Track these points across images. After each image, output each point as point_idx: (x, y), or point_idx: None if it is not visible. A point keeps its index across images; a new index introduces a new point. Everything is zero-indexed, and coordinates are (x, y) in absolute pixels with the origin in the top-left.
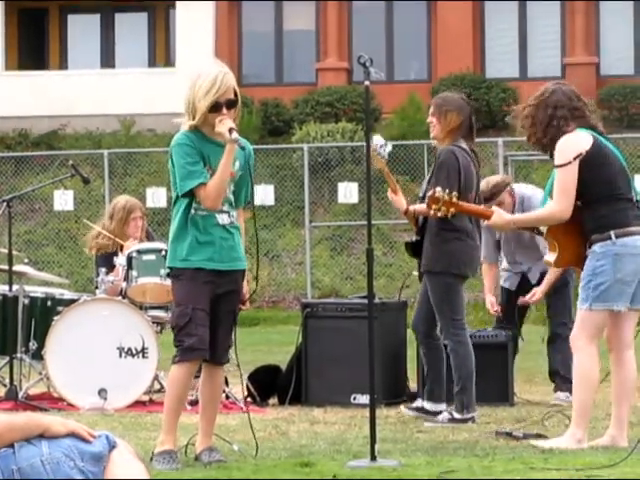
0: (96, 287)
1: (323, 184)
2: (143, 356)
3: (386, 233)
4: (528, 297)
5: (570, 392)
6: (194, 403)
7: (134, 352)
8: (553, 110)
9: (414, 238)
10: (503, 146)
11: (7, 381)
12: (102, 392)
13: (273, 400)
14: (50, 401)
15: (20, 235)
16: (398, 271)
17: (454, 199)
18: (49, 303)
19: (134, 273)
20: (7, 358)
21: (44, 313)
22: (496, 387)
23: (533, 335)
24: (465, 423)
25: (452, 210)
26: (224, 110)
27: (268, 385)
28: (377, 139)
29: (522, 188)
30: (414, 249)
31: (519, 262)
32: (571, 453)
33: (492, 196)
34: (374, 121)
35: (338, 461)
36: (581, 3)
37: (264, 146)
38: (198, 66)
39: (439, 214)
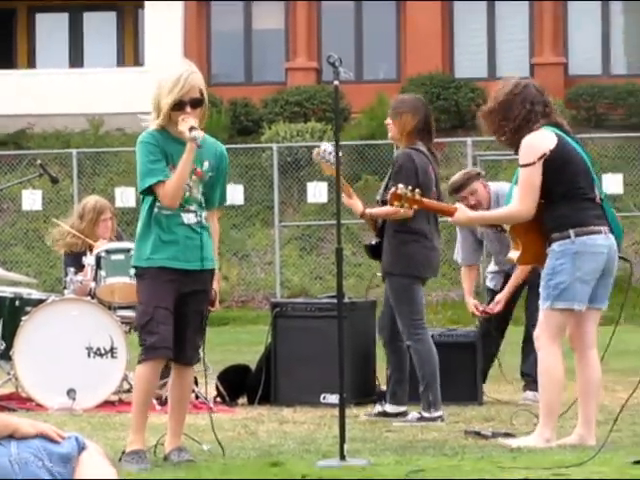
0: (64, 287)
1: (292, 184)
2: (112, 356)
3: (355, 233)
4: (491, 306)
5: None
6: (164, 403)
7: (103, 352)
8: (531, 105)
9: (374, 241)
10: (472, 146)
11: None
12: (71, 392)
13: (242, 400)
14: (18, 401)
15: None
16: (367, 271)
17: (417, 196)
18: (17, 303)
19: (103, 273)
20: None
21: (12, 313)
22: (465, 386)
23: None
24: (434, 422)
25: (415, 207)
26: (188, 109)
27: (237, 385)
28: (324, 145)
29: (498, 185)
30: (374, 251)
31: (503, 262)
32: (540, 452)
33: (463, 185)
34: (343, 121)
35: (307, 461)
36: (549, 3)
37: (233, 146)
38: (167, 66)
39: (402, 211)
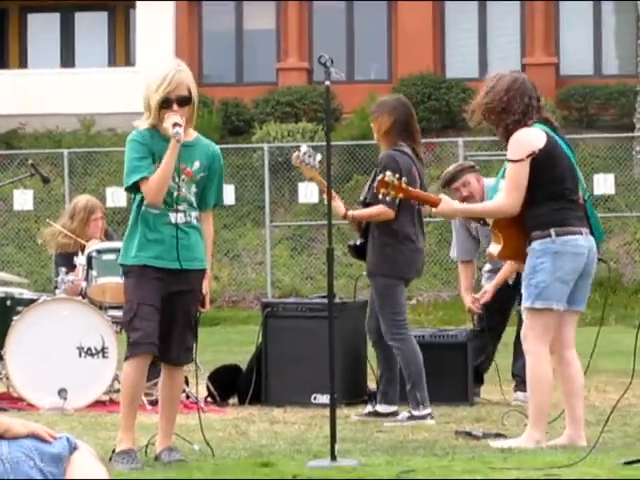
0: (55, 287)
1: (283, 184)
2: (103, 356)
3: (346, 233)
4: (479, 295)
5: None
6: (154, 403)
7: (94, 352)
8: (529, 99)
9: (358, 241)
10: (463, 146)
11: None
12: (62, 392)
13: (233, 400)
14: (10, 401)
15: None
16: (358, 271)
17: (403, 184)
18: (8, 303)
19: (94, 273)
20: None
21: (3, 313)
22: (455, 387)
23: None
24: (424, 419)
25: (400, 195)
26: (175, 106)
27: (228, 385)
28: (303, 148)
29: (492, 180)
30: (358, 252)
31: (497, 260)
32: (530, 453)
33: (455, 176)
34: (334, 121)
35: (298, 461)
36: (541, 3)
37: (224, 146)
38: (158, 66)
39: (387, 198)
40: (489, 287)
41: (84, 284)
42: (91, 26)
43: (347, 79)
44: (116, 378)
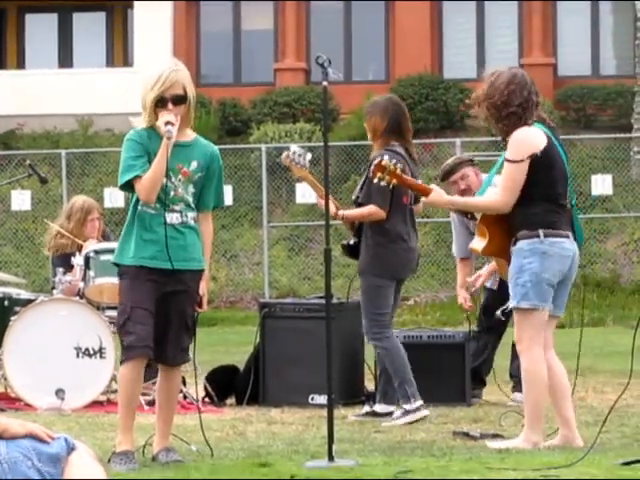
0: (53, 287)
1: (281, 184)
2: (101, 356)
3: (344, 233)
4: (472, 279)
5: None
6: (152, 403)
7: (92, 352)
8: (528, 94)
9: (352, 240)
10: (461, 146)
11: None
12: (59, 392)
13: (231, 400)
14: (7, 401)
15: None
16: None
17: (398, 170)
18: (6, 303)
19: (91, 273)
20: None
21: (1, 313)
22: (453, 387)
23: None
24: (419, 411)
25: (394, 181)
26: (170, 105)
27: (226, 385)
28: (293, 147)
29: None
30: (352, 251)
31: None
32: (528, 453)
33: (453, 168)
34: (332, 121)
35: (296, 461)
36: (538, 3)
37: (222, 146)
38: (156, 66)
39: (382, 183)
40: (484, 271)
41: (82, 284)
42: (89, 26)
43: (345, 79)
44: (114, 378)
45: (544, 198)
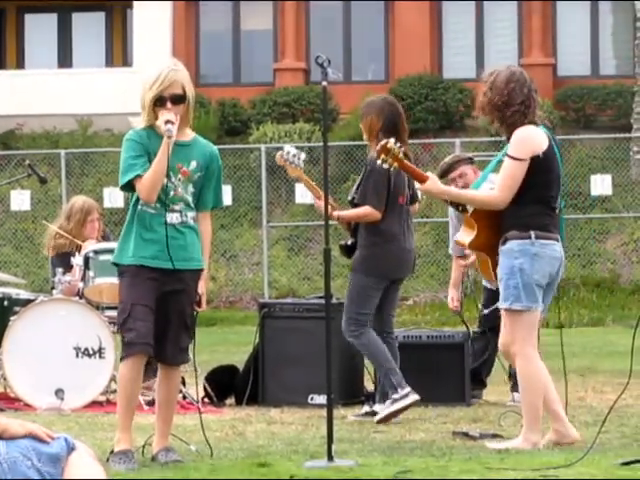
0: (52, 287)
1: (280, 184)
2: (100, 356)
3: (343, 234)
4: (465, 262)
5: None
6: (151, 403)
7: (91, 352)
8: (528, 91)
9: (349, 241)
10: (460, 147)
11: None
12: (59, 392)
13: (230, 400)
14: (7, 401)
15: None
16: None
17: (400, 155)
18: (6, 303)
19: (91, 273)
20: None
21: (1, 313)
22: (453, 387)
23: None
24: (407, 397)
25: (395, 164)
26: (168, 104)
27: (225, 385)
28: (287, 147)
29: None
30: (349, 251)
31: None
32: (527, 453)
33: (452, 166)
34: (331, 121)
35: (295, 461)
36: (538, 3)
37: (221, 146)
38: (155, 66)
39: (385, 165)
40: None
41: (81, 284)
42: (88, 26)
43: (344, 80)
44: (113, 379)
45: (538, 200)
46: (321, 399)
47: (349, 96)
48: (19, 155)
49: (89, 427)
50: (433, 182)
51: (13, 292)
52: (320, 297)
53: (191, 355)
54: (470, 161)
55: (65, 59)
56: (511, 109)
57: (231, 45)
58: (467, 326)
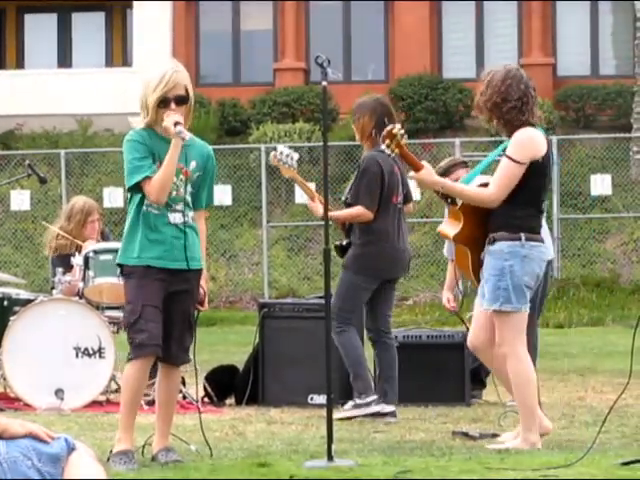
0: (52, 287)
1: (280, 184)
2: (100, 356)
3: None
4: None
5: None
6: (151, 403)
7: (91, 352)
8: (525, 88)
9: (344, 241)
10: (460, 146)
11: None
12: (59, 392)
13: (230, 400)
14: (6, 401)
15: None
16: None
17: (402, 141)
18: (6, 303)
19: (91, 273)
20: None
21: (0, 313)
22: (452, 387)
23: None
24: (369, 406)
25: (396, 150)
26: (172, 105)
27: (225, 385)
28: (280, 148)
29: (485, 178)
30: (344, 251)
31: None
32: (527, 453)
33: (447, 170)
34: (331, 121)
35: (295, 461)
36: (538, 4)
37: (221, 146)
38: (155, 66)
39: (387, 151)
40: None
41: (81, 284)
42: (88, 26)
43: (344, 79)
44: (113, 378)
45: (530, 203)
46: (321, 399)
47: (349, 96)
48: (19, 155)
49: (89, 427)
50: (428, 172)
51: (13, 292)
52: (320, 297)
53: (191, 355)
54: (465, 165)
55: (65, 59)
56: (508, 105)
57: (231, 45)
58: (467, 326)
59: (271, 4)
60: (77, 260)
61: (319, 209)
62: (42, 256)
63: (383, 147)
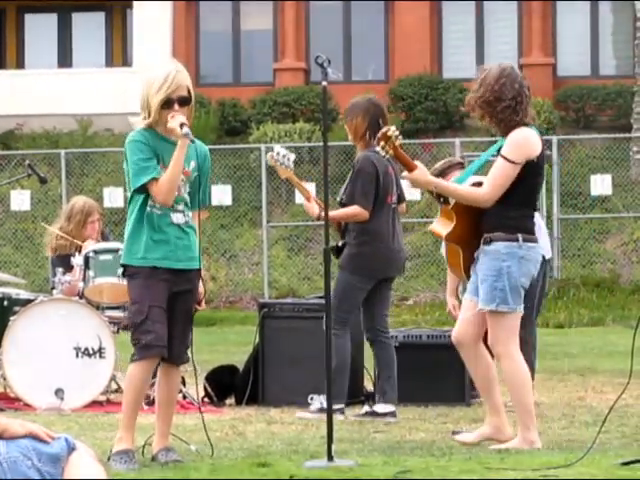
0: (52, 287)
1: (280, 184)
2: (100, 356)
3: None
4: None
5: None
6: (151, 403)
7: (91, 352)
8: (519, 87)
9: (340, 242)
10: (460, 146)
11: None
12: (59, 392)
13: (230, 400)
14: (7, 401)
15: None
16: None
17: (397, 143)
18: (6, 303)
19: (91, 273)
20: None
21: (0, 313)
22: (452, 387)
23: None
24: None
25: (391, 152)
26: (176, 106)
27: (225, 385)
28: (277, 148)
29: (481, 178)
30: (340, 252)
31: None
32: (527, 453)
33: (443, 172)
34: (331, 121)
35: (295, 461)
36: (538, 4)
37: (221, 146)
38: (155, 66)
39: (382, 152)
40: None
41: (81, 284)
42: (88, 26)
43: (344, 79)
44: (113, 378)
45: (524, 203)
46: (321, 399)
47: (349, 96)
48: (19, 155)
49: (89, 427)
50: (421, 172)
51: (13, 292)
52: (320, 297)
53: (189, 355)
54: (461, 166)
55: (65, 59)
56: (502, 104)
57: (231, 45)
58: None
59: (271, 4)
60: (77, 260)
61: (315, 209)
62: (42, 256)
63: (378, 149)
